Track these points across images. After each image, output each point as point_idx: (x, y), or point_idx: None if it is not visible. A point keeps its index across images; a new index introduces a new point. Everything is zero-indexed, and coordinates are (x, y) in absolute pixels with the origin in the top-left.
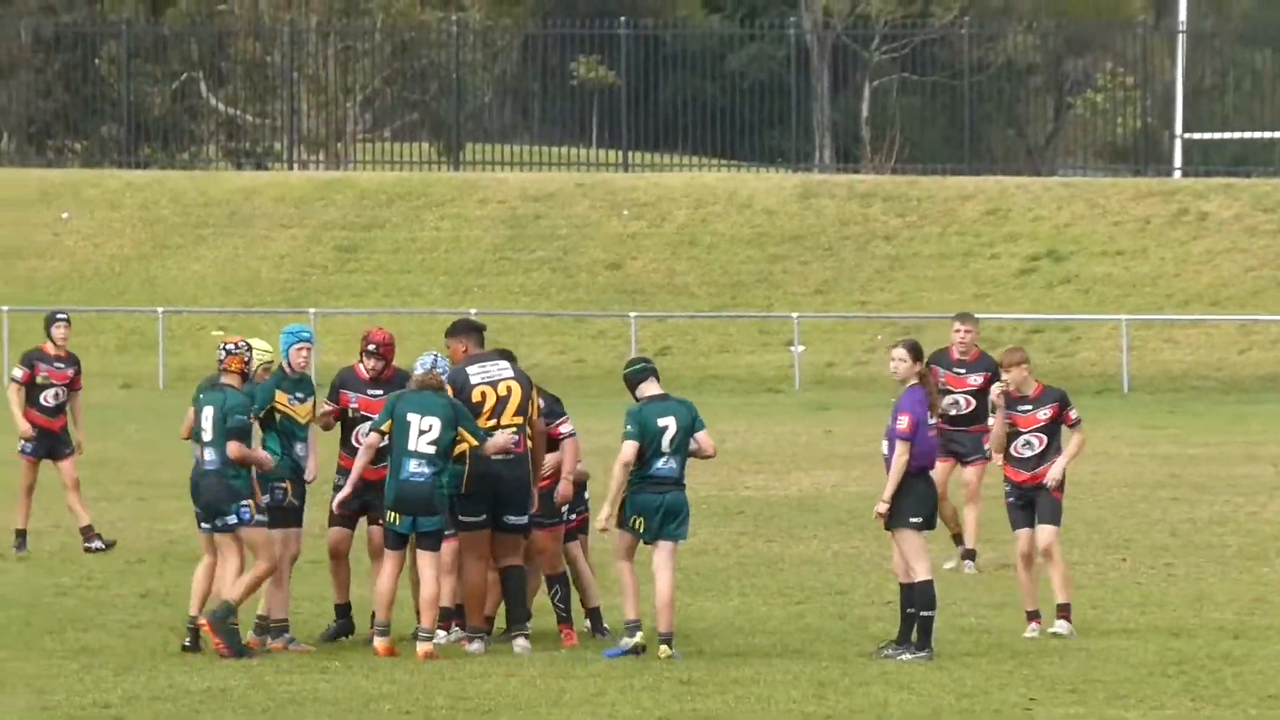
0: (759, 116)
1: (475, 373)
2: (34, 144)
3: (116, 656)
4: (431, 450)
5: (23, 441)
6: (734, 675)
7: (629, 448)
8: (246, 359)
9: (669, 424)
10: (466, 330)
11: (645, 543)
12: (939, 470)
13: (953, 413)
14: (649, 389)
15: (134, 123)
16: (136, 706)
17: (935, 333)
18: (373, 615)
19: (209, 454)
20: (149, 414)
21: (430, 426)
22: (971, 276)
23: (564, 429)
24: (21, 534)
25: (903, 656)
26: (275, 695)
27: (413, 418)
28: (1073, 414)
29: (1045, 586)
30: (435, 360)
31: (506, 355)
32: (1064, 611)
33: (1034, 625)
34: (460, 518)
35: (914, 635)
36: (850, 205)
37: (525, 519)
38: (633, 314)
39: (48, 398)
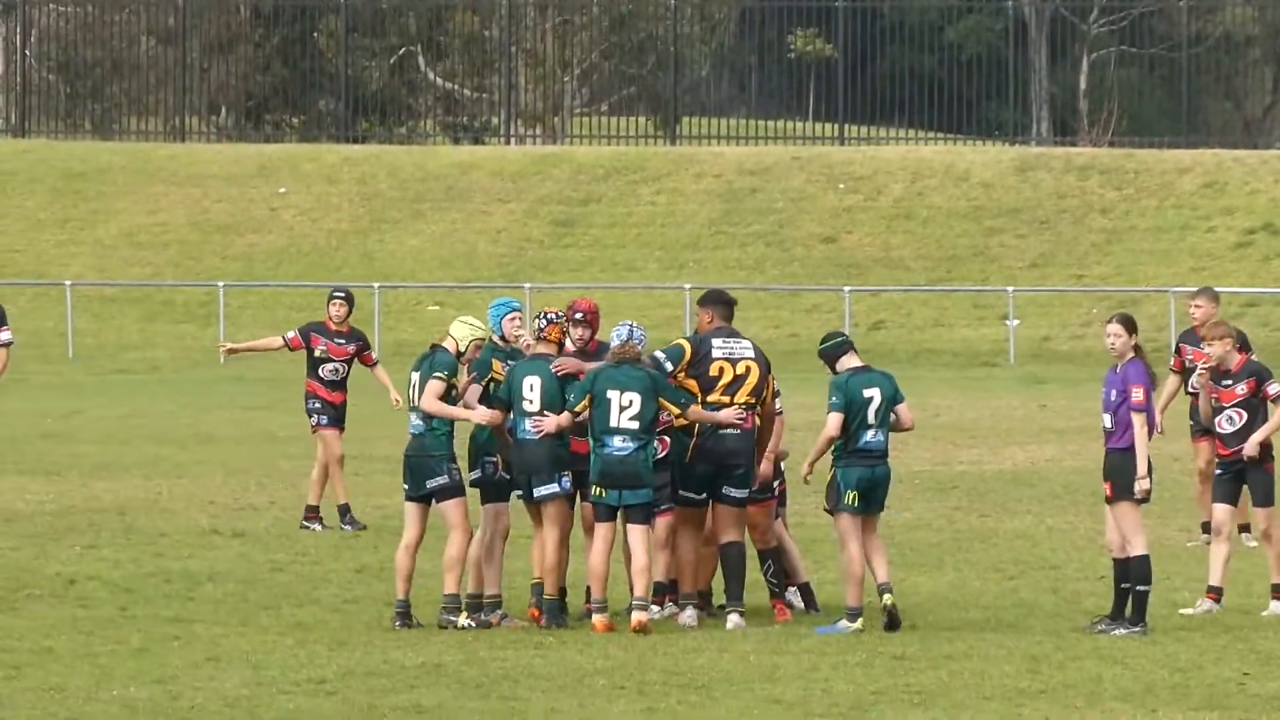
0: (976, 89)
1: (718, 346)
2: (252, 119)
3: (331, 631)
4: (635, 426)
5: (315, 416)
6: (947, 650)
7: (835, 420)
8: (565, 329)
9: (874, 395)
10: (716, 301)
11: (855, 514)
12: (1202, 450)
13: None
14: (849, 361)
15: (351, 97)
16: (351, 681)
17: (1151, 306)
18: (588, 590)
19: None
20: (365, 389)
21: (631, 402)
22: (1188, 250)
23: (775, 404)
24: (344, 508)
25: (1116, 632)
26: (489, 671)
27: (613, 394)
28: (1272, 389)
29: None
30: (631, 330)
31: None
32: (1279, 592)
33: (1207, 601)
34: (681, 492)
35: (1129, 610)
36: (1067, 178)
37: (746, 493)
38: (847, 288)
39: (326, 371)
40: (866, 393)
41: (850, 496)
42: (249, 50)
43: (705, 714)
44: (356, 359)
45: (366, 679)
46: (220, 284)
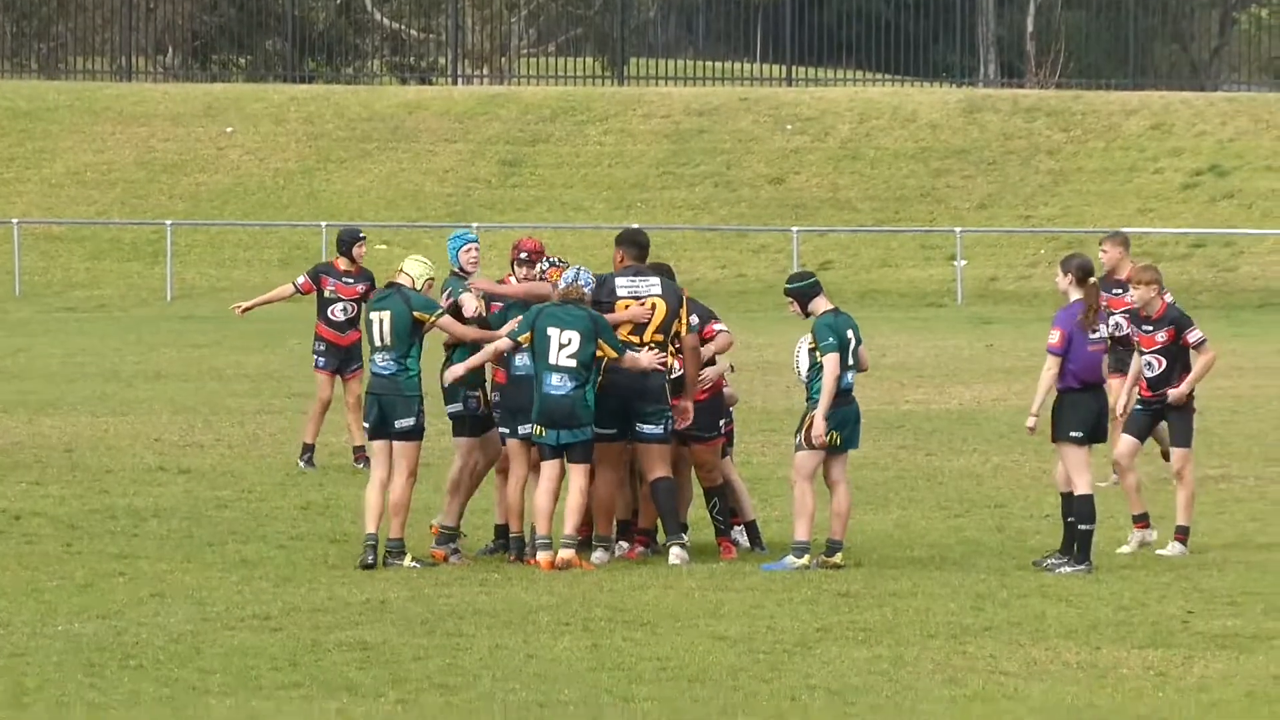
0: (924, 30)
1: (623, 284)
2: (198, 59)
3: (276, 568)
4: (572, 364)
5: (316, 357)
6: (892, 588)
7: (834, 360)
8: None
9: (852, 336)
10: (628, 241)
11: (830, 453)
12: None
13: (1116, 334)
14: (823, 303)
15: (298, 37)
16: (296, 618)
17: (1098, 248)
18: (532, 529)
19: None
20: (311, 327)
21: (570, 340)
22: (1134, 191)
23: (717, 327)
24: (308, 448)
25: (1062, 569)
26: (434, 607)
27: (553, 332)
28: (1191, 336)
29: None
30: (578, 273)
31: (663, 270)
32: (1181, 534)
33: (1137, 532)
34: (595, 429)
35: (1074, 548)
36: (1014, 120)
37: (661, 429)
38: (795, 229)
39: (335, 312)
40: (848, 333)
41: (834, 436)
42: None
43: (650, 650)
44: (368, 298)
45: (311, 615)
46: (168, 223)
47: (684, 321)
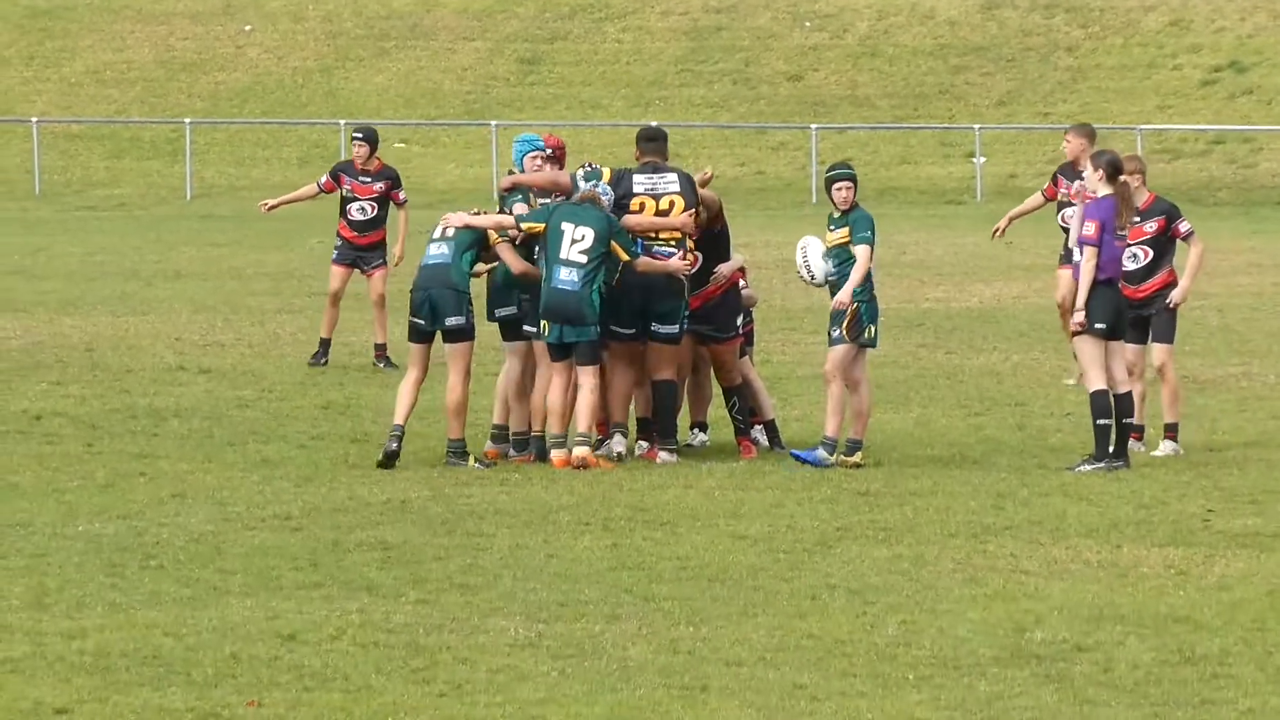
0: None
1: (640, 181)
2: None
3: (297, 468)
4: (582, 259)
5: (334, 251)
6: (912, 487)
7: (868, 253)
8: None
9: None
10: (645, 139)
11: (863, 346)
12: (1063, 278)
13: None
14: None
15: None
16: (316, 518)
17: (1117, 143)
18: (543, 427)
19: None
20: (331, 226)
21: (583, 236)
22: (1153, 88)
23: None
24: (324, 343)
25: (1082, 468)
26: (455, 507)
27: (566, 227)
28: (1182, 226)
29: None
30: (599, 184)
31: (679, 172)
32: (1171, 431)
33: (1131, 439)
34: (612, 326)
35: (1105, 447)
36: (1033, 16)
37: (675, 329)
38: (814, 126)
39: (353, 211)
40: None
41: (871, 330)
42: None
43: (670, 550)
44: (389, 197)
45: (332, 515)
46: (186, 121)
47: (698, 214)
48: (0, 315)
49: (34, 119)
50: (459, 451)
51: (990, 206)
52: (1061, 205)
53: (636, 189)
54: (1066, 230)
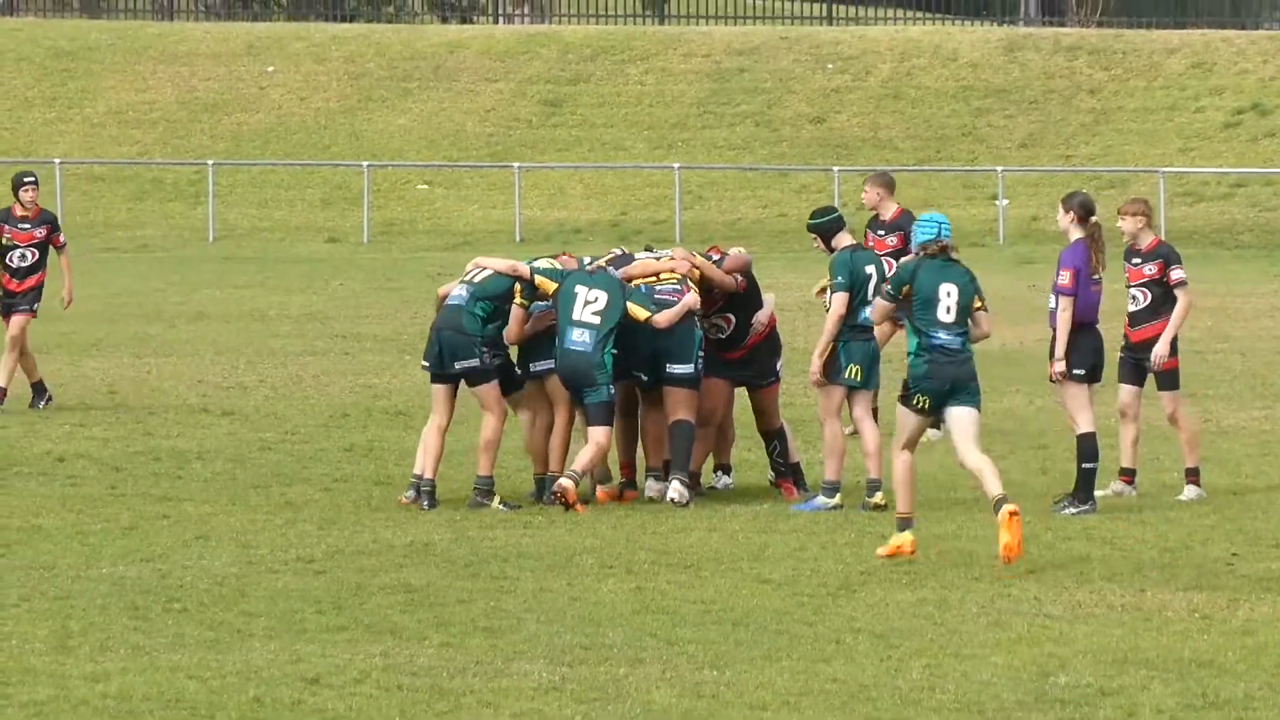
0: None
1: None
2: None
3: (320, 510)
4: (596, 320)
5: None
6: (936, 531)
7: (842, 299)
8: None
9: (873, 272)
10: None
11: (851, 389)
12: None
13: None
14: (845, 239)
15: None
16: (340, 560)
17: (1140, 186)
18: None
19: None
20: (353, 268)
21: (597, 298)
22: (1176, 130)
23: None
24: (35, 387)
25: (1066, 510)
26: (479, 550)
27: (580, 290)
28: (1174, 274)
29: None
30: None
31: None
32: (1193, 476)
33: (1122, 483)
34: (634, 371)
35: (1076, 488)
36: (1055, 59)
37: (690, 368)
38: (836, 168)
39: (14, 259)
40: (867, 269)
41: (852, 370)
42: None
43: (693, 593)
44: (49, 242)
45: (355, 558)
46: (209, 162)
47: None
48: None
49: (56, 160)
50: (485, 490)
51: (1013, 249)
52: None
53: (639, 256)
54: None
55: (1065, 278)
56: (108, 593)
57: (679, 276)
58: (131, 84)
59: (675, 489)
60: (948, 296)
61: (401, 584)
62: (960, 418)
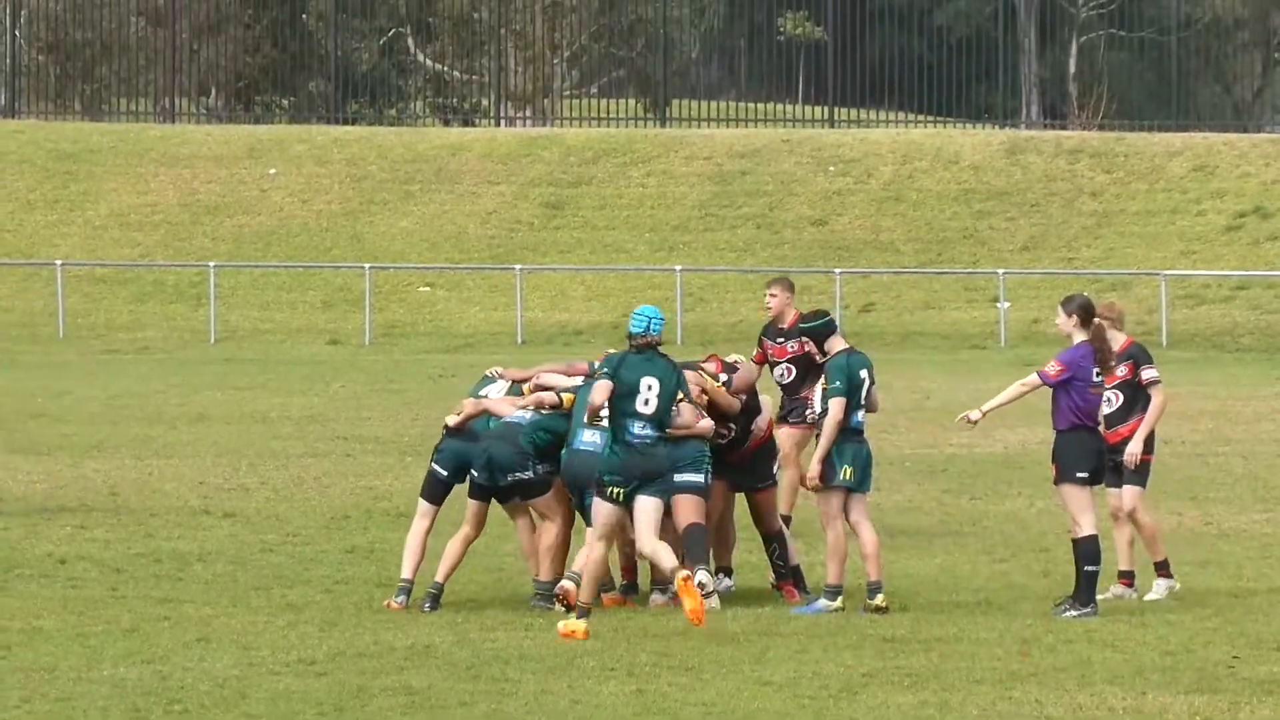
0: (966, 72)
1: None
2: (242, 100)
3: (322, 612)
4: (607, 424)
5: None
6: (937, 633)
7: (840, 405)
8: None
9: (866, 376)
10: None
11: (848, 491)
12: (787, 435)
13: (781, 382)
14: (838, 343)
15: (341, 79)
16: (341, 663)
17: (1141, 289)
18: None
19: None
20: (355, 370)
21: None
22: (1178, 233)
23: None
24: None
25: (1068, 613)
26: (480, 652)
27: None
28: (1145, 374)
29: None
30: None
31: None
32: (1162, 570)
33: (1122, 585)
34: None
35: (1077, 590)
36: (1057, 161)
37: (700, 477)
38: (837, 270)
39: None
40: (861, 374)
41: (846, 472)
42: (239, 31)
43: (695, 696)
44: None
45: (357, 660)
46: (210, 264)
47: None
48: (24, 458)
49: (58, 262)
50: (547, 595)
51: (1014, 351)
52: (773, 365)
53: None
54: (783, 387)
55: (1053, 368)
56: (109, 695)
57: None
58: (133, 186)
59: (701, 574)
60: (648, 390)
61: (403, 686)
62: (643, 506)
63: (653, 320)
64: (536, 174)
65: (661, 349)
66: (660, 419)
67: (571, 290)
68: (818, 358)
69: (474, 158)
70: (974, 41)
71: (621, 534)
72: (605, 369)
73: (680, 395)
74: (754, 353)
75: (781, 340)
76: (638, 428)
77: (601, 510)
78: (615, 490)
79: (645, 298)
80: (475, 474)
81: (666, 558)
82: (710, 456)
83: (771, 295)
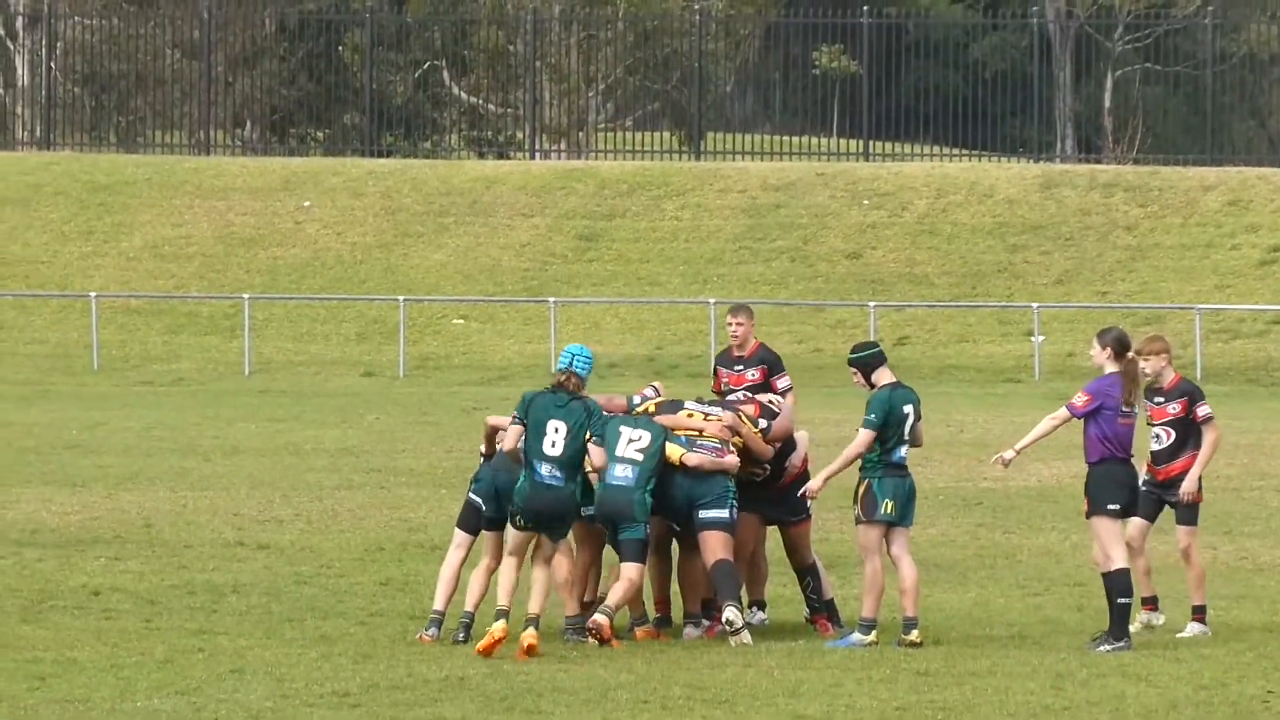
0: (1001, 106)
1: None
2: (277, 133)
3: (356, 644)
4: (639, 457)
5: None
6: (971, 667)
7: (868, 437)
8: None
9: (909, 411)
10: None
11: (889, 525)
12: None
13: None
14: (885, 375)
15: (376, 111)
16: (375, 695)
17: (1176, 323)
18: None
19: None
20: (389, 402)
21: (640, 436)
22: (1212, 267)
23: (781, 384)
24: None
25: (1102, 648)
26: (513, 684)
27: (624, 429)
28: (1200, 411)
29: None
30: (656, 391)
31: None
32: (1199, 614)
33: (1147, 611)
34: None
35: (1111, 624)
36: (1092, 195)
37: (725, 513)
38: (872, 303)
39: None
40: (905, 409)
41: (887, 505)
42: (274, 64)
43: None
44: None
45: (390, 692)
46: (245, 296)
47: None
48: (58, 490)
49: (92, 294)
50: (578, 628)
51: (1049, 385)
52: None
53: (688, 404)
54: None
55: (1080, 399)
56: None
57: (720, 439)
58: (168, 218)
59: (730, 611)
60: (554, 432)
61: (437, 718)
62: (544, 544)
63: (576, 358)
64: (571, 206)
65: (581, 391)
66: (566, 462)
67: (606, 323)
68: (863, 387)
69: (508, 190)
70: (1009, 75)
71: (654, 566)
72: (516, 410)
73: (589, 436)
74: (711, 383)
75: (740, 369)
76: (544, 469)
77: (510, 533)
78: (520, 521)
79: (680, 330)
80: (484, 505)
81: (537, 598)
82: (735, 491)
83: (739, 324)
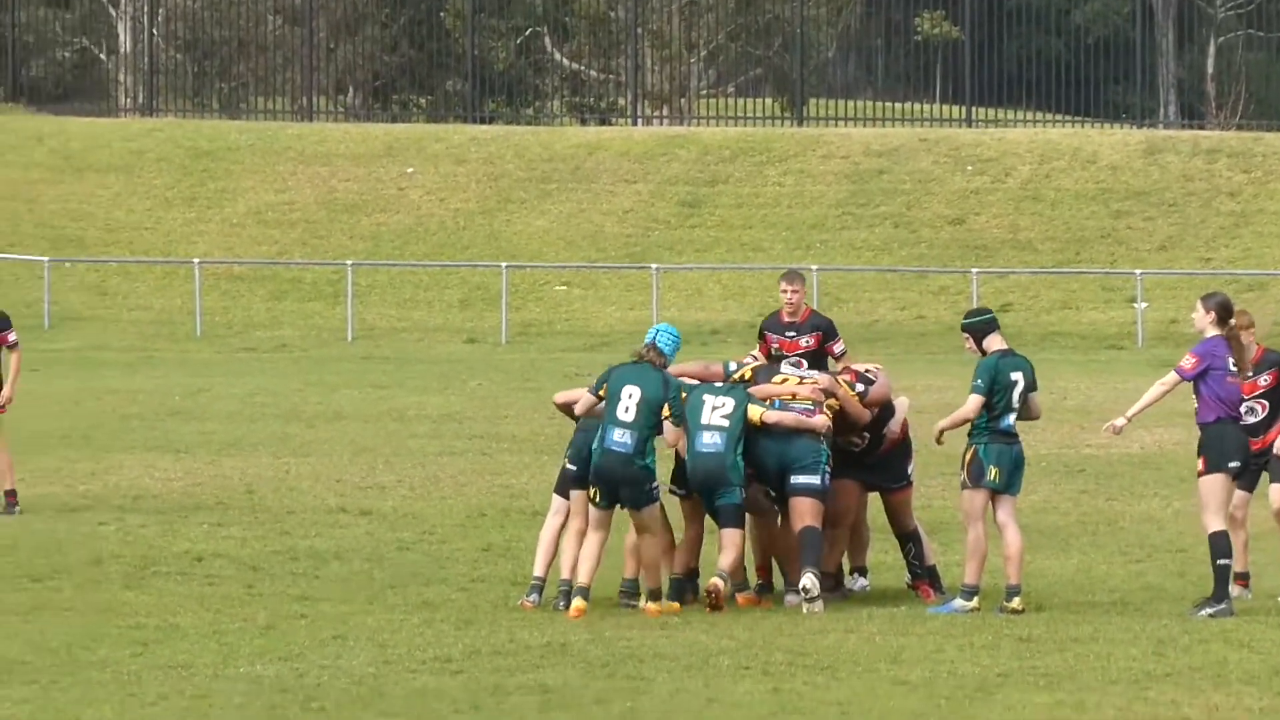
0: (1103, 72)
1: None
2: (379, 99)
3: (458, 610)
4: (725, 423)
5: None
6: (1073, 633)
7: (976, 402)
8: None
9: (1019, 379)
10: None
11: (994, 492)
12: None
13: None
14: (996, 342)
15: (478, 78)
16: (477, 660)
17: (1279, 290)
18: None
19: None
20: (491, 369)
21: (724, 403)
22: None
23: (837, 349)
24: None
25: (1203, 612)
26: (614, 650)
27: (708, 398)
28: None
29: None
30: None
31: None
32: None
33: (1238, 586)
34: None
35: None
36: (1195, 161)
37: (816, 480)
38: (974, 270)
39: None
40: (1013, 376)
41: (994, 472)
42: (376, 30)
43: (830, 695)
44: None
45: (492, 658)
46: (348, 263)
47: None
48: (161, 456)
49: (196, 260)
50: (631, 592)
51: (1151, 352)
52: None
53: (784, 368)
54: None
55: (1188, 361)
56: (245, 692)
57: (812, 400)
58: (271, 184)
59: (807, 578)
60: (629, 397)
61: (538, 684)
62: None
63: (660, 333)
64: (673, 173)
65: (664, 367)
66: (638, 427)
67: (708, 289)
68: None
69: (610, 157)
70: (1111, 41)
71: (758, 534)
72: (595, 382)
73: (667, 413)
74: (758, 347)
75: (793, 335)
76: (616, 434)
77: (591, 510)
78: (595, 492)
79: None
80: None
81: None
82: (828, 457)
83: (795, 290)
